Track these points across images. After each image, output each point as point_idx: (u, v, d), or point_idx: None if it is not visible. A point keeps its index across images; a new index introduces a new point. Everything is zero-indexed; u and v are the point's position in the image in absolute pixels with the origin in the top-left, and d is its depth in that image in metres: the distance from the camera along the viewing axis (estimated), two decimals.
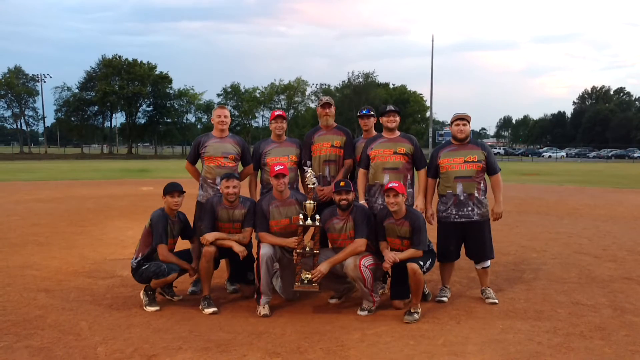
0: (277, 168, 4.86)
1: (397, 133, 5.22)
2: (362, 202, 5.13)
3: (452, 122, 5.13)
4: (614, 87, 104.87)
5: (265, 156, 5.46)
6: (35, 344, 3.90)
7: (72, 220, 10.09)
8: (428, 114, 69.24)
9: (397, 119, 5.18)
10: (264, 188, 5.49)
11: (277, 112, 5.53)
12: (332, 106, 5.50)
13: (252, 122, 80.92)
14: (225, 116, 5.44)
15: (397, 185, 4.63)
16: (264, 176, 5.49)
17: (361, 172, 5.24)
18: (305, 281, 4.62)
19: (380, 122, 5.25)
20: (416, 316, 4.46)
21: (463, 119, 5.02)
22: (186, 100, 77.78)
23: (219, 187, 5.16)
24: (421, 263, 4.55)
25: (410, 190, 5.12)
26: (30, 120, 78.24)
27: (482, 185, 5.01)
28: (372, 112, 5.46)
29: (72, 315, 4.56)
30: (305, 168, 4.94)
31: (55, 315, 4.55)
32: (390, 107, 5.21)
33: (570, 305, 4.87)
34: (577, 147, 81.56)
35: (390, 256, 4.61)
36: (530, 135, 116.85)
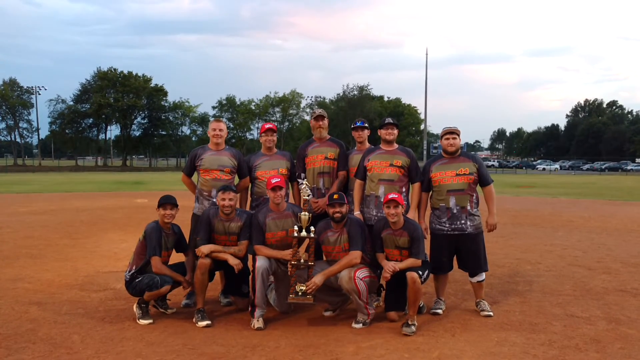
0: (274, 180, 4.85)
1: (395, 146, 5.24)
2: (357, 213, 5.13)
3: (442, 136, 5.15)
4: (606, 100, 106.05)
5: (255, 169, 5.47)
6: (26, 357, 3.86)
7: (66, 232, 10.04)
8: (422, 126, 69.53)
9: (396, 131, 5.20)
10: (254, 202, 5.49)
11: (268, 125, 5.55)
12: (325, 118, 5.51)
13: (247, 134, 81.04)
14: (220, 129, 5.44)
15: (397, 196, 4.65)
16: (254, 189, 5.50)
17: (357, 182, 5.24)
18: (300, 293, 4.60)
19: (379, 134, 5.26)
20: (414, 328, 4.44)
21: (453, 132, 5.05)
22: (181, 112, 77.74)
23: (214, 200, 5.16)
24: (420, 272, 4.55)
25: (405, 202, 5.13)
26: (25, 132, 78.14)
27: (474, 197, 5.02)
28: (366, 124, 5.48)
29: (64, 328, 4.51)
30: (299, 180, 4.95)
31: (47, 328, 4.50)
32: (389, 120, 5.23)
33: (565, 317, 4.87)
34: (571, 160, 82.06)
35: (390, 266, 4.60)
36: (524, 147, 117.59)
